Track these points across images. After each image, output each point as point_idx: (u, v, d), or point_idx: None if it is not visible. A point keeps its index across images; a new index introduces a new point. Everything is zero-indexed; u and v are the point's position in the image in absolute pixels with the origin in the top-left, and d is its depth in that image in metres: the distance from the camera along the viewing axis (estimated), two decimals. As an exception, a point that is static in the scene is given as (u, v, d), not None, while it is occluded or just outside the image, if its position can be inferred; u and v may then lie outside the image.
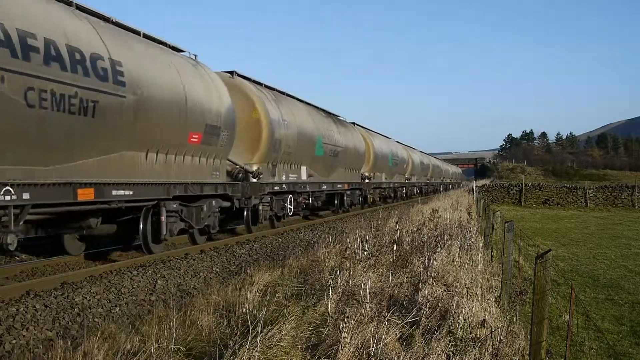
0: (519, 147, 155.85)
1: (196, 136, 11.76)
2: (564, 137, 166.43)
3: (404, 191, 41.59)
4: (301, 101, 20.94)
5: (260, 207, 15.64)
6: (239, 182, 14.20)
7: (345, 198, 25.20)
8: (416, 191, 48.24)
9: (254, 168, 14.98)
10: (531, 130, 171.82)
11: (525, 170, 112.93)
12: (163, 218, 10.87)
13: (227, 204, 13.75)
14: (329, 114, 24.61)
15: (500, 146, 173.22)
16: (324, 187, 21.39)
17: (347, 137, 24.97)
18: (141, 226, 10.67)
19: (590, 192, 43.14)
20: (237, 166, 14.53)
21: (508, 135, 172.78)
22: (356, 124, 29.99)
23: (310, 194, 19.91)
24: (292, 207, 18.05)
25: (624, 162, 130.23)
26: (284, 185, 17.01)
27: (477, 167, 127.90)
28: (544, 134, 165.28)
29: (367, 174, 29.35)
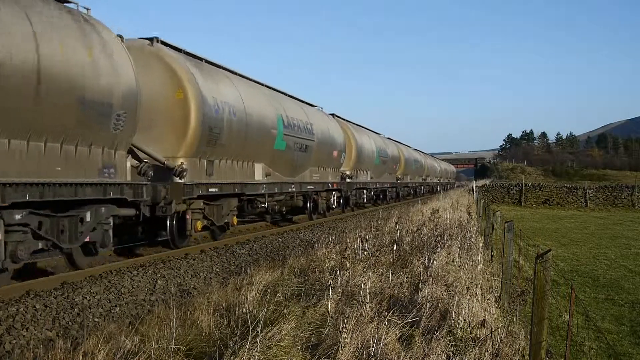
0: (519, 147, 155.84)
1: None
2: (564, 137, 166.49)
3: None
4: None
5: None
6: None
7: (319, 201, 21.39)
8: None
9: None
10: (531, 130, 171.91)
11: (525, 170, 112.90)
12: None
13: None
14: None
15: (500, 146, 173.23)
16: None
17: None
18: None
19: (590, 192, 43.15)
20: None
21: (508, 135, 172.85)
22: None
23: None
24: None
25: (624, 162, 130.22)
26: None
27: (477, 167, 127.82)
28: (544, 134, 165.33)
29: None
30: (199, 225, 12.53)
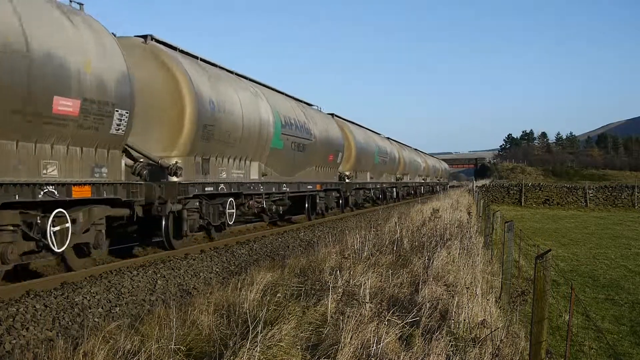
0: (519, 147, 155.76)
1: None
2: (564, 137, 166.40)
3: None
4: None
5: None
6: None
7: (317, 201, 21.04)
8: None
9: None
10: (531, 130, 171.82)
11: (525, 170, 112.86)
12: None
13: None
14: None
15: (500, 146, 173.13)
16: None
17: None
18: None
19: (590, 192, 43.15)
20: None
21: (508, 135, 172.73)
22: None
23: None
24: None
25: (624, 162, 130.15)
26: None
27: (477, 167, 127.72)
28: (544, 134, 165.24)
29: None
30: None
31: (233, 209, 14.01)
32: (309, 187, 19.59)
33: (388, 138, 38.95)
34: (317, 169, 20.82)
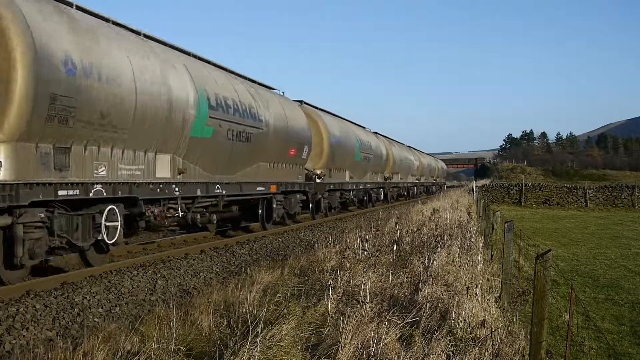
0: (519, 147, 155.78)
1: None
2: (564, 137, 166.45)
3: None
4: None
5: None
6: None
7: (274, 206, 16.87)
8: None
9: (319, 172, 20.17)
10: (531, 130, 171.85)
11: (525, 170, 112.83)
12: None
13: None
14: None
15: (500, 146, 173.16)
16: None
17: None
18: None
19: (590, 192, 43.17)
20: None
21: (508, 135, 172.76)
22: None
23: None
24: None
25: (624, 162, 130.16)
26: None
27: (477, 167, 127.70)
28: (544, 134, 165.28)
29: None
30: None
31: (118, 220, 9.87)
32: (258, 188, 15.49)
33: (375, 133, 34.81)
34: (272, 166, 16.74)
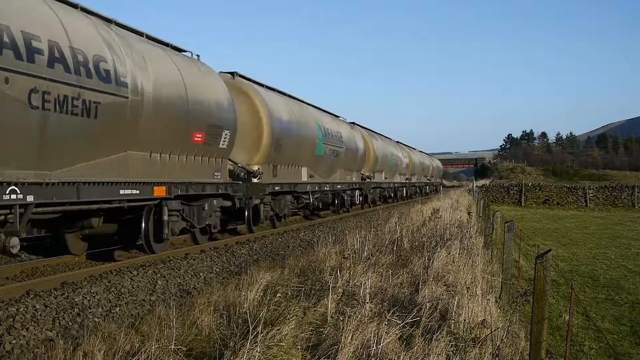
0: (519, 147, 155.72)
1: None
2: (564, 137, 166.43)
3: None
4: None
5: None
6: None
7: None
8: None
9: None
10: (531, 130, 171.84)
11: (525, 170, 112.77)
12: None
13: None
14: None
15: (500, 146, 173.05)
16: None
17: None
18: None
19: (590, 192, 43.17)
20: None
21: (508, 135, 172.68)
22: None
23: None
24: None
25: (624, 162, 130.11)
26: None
27: (477, 167, 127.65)
28: (544, 134, 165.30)
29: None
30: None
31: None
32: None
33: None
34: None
